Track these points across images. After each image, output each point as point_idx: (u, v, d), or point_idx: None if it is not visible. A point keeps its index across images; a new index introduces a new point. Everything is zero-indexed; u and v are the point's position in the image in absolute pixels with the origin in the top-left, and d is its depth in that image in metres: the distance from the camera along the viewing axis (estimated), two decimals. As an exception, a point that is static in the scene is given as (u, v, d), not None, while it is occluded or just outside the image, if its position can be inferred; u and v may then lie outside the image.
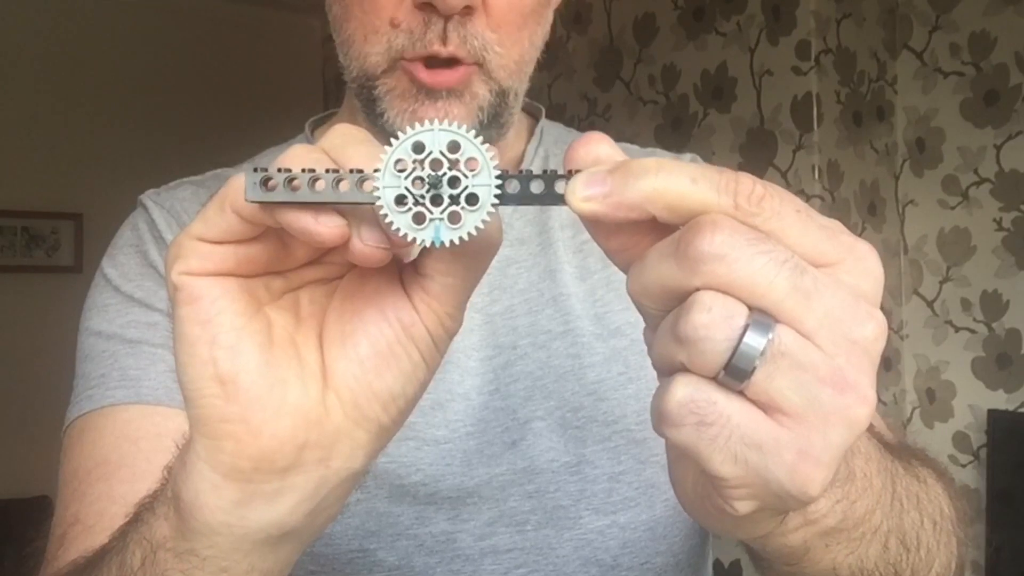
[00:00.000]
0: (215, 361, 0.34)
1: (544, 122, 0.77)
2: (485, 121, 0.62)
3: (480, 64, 0.61)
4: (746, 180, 0.30)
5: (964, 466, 2.09)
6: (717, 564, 2.24)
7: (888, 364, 2.17)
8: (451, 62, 0.60)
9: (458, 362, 0.65)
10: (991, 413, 2.02)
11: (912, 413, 2.20)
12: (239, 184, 0.33)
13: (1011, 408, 2.02)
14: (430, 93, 0.60)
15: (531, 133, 0.76)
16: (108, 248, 0.70)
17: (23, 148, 3.14)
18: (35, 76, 3.17)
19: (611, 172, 0.31)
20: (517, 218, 0.71)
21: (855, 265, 0.30)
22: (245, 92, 3.44)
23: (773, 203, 0.30)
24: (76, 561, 0.49)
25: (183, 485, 0.36)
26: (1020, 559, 1.92)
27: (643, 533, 0.64)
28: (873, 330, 0.30)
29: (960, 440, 2.11)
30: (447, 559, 0.62)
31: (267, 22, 3.55)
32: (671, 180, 0.30)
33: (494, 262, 0.74)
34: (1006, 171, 2.04)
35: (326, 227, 0.32)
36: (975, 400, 2.08)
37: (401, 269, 0.37)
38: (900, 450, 0.52)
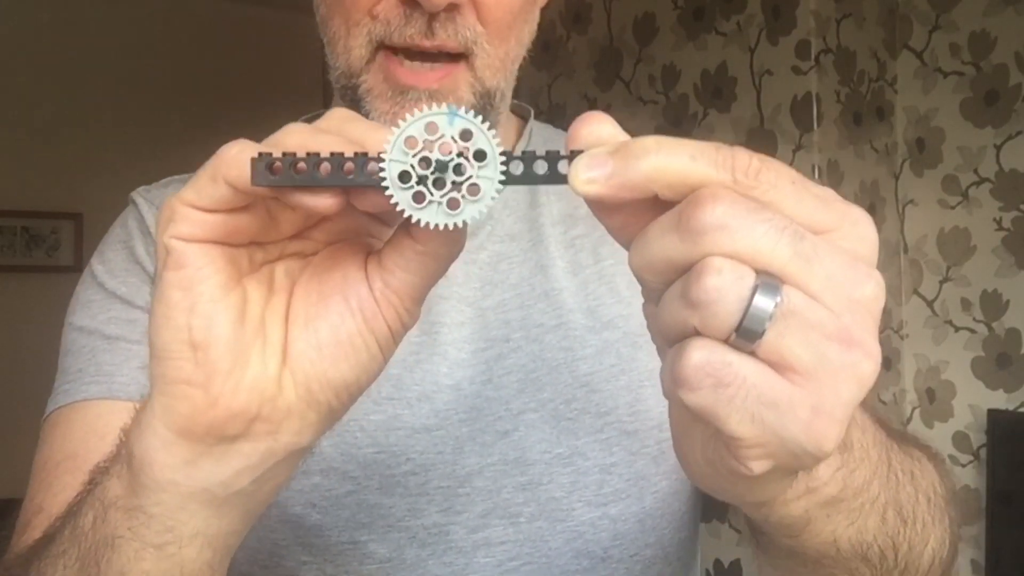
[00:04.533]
0: (190, 328, 0.35)
1: (533, 123, 0.76)
2: None
3: (467, 57, 0.61)
4: (742, 154, 0.31)
5: (964, 466, 2.09)
6: (717, 564, 2.24)
7: (888, 364, 2.17)
8: (435, 57, 0.60)
9: (446, 354, 0.65)
10: (991, 413, 2.02)
11: (912, 413, 2.20)
12: (232, 155, 0.34)
13: (1011, 408, 2.02)
14: (410, 94, 0.60)
15: (519, 134, 0.75)
16: (99, 244, 0.71)
17: (23, 148, 3.14)
18: (35, 76, 3.17)
19: (612, 153, 0.32)
20: (508, 215, 0.71)
21: (851, 230, 0.31)
22: (245, 92, 3.44)
23: (769, 175, 0.31)
24: (37, 540, 0.51)
25: (136, 442, 0.38)
26: (1020, 559, 1.92)
27: (633, 525, 0.65)
28: (873, 289, 0.31)
29: (960, 440, 2.11)
30: (439, 551, 0.62)
31: (267, 22, 3.55)
32: (671, 159, 0.31)
33: (485, 257, 0.74)
34: (1006, 171, 2.04)
35: (323, 198, 0.34)
36: (975, 400, 2.08)
37: (367, 259, 0.38)
38: (891, 430, 0.53)
